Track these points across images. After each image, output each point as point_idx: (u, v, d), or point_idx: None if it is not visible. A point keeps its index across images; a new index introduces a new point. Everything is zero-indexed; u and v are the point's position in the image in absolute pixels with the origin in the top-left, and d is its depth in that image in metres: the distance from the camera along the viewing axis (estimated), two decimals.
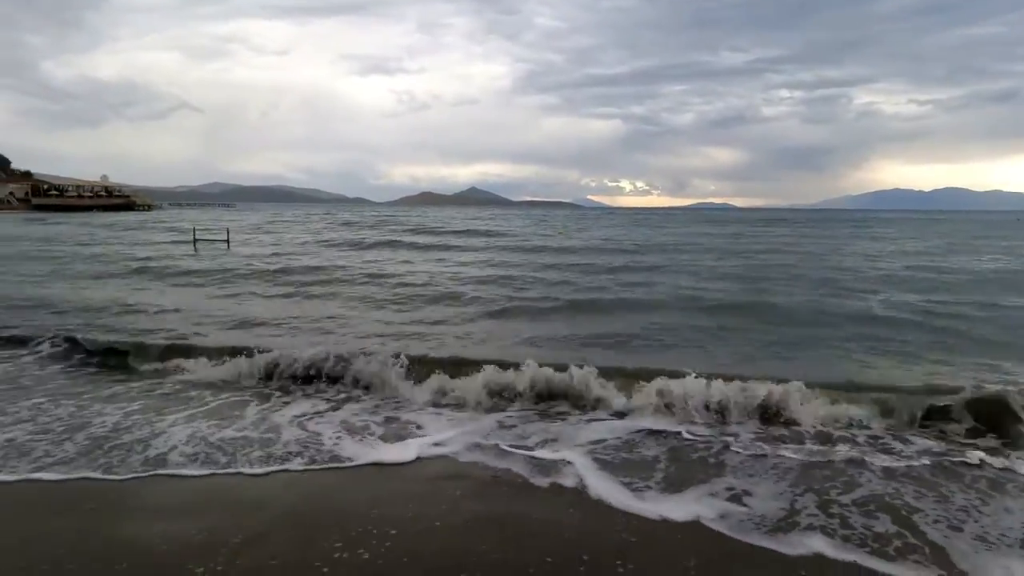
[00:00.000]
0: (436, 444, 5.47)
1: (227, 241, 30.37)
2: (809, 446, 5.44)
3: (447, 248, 29.42)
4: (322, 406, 6.59)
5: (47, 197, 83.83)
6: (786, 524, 4.06)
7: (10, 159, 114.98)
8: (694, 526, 4.05)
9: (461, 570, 3.50)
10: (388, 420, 6.16)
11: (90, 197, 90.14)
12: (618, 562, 3.59)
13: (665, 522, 4.09)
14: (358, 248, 29.13)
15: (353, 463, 5.08)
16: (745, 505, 4.32)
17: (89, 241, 32.06)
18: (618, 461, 5.12)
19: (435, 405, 6.62)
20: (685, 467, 5.03)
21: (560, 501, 4.42)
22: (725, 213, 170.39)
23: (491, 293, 14.47)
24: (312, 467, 4.99)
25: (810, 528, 4.00)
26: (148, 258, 22.78)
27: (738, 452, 5.29)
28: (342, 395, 6.98)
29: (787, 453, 5.26)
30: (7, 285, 15.36)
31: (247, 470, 4.90)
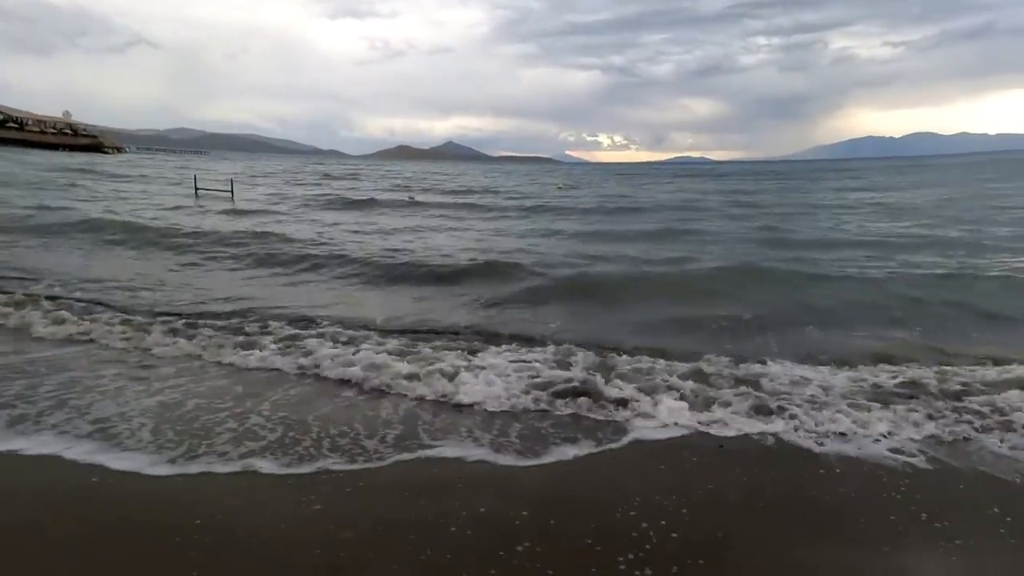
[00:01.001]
0: None
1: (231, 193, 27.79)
2: None
3: (475, 208, 26.67)
4: None
5: (5, 130, 76.51)
6: None
7: None
8: None
9: None
10: None
11: (54, 134, 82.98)
12: None
13: None
14: (403, 213, 24.43)
15: None
16: None
17: (111, 196, 26.06)
18: None
19: None
20: None
21: None
22: (712, 167, 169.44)
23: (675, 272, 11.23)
24: None
25: None
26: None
27: None
28: None
29: None
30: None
31: None
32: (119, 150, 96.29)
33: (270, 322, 7.14)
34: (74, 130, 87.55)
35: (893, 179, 50.38)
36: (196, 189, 28.21)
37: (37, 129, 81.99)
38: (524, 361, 5.75)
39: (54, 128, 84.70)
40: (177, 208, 21.52)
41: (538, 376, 5.34)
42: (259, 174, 54.25)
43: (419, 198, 30.99)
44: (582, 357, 5.93)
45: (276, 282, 10.23)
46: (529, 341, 6.64)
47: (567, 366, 5.67)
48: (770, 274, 10.60)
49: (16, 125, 79.63)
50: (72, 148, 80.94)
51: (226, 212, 21.23)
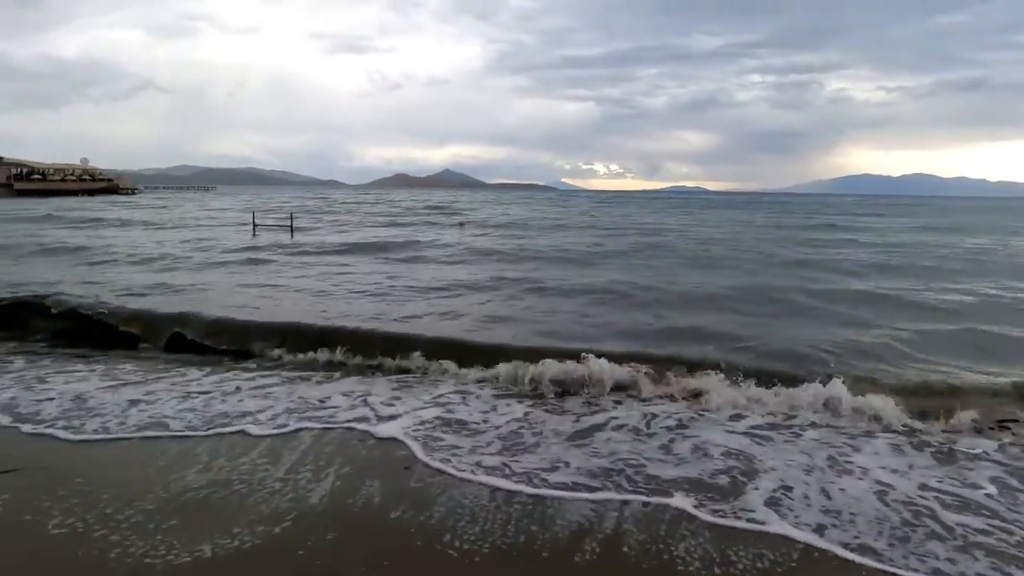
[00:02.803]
0: None
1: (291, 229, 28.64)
2: None
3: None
4: None
5: (30, 182, 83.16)
6: None
7: None
8: None
9: None
10: None
11: (74, 181, 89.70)
12: None
13: None
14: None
15: None
16: None
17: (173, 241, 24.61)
18: None
19: None
20: None
21: None
22: (710, 197, 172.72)
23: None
24: None
25: None
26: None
27: None
28: None
29: None
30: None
31: None
32: (133, 191, 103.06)
33: None
34: (92, 175, 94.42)
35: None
36: (254, 227, 29.29)
37: (58, 177, 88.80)
38: None
39: (73, 175, 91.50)
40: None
41: None
42: (276, 208, 53.66)
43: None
44: None
45: None
46: None
47: None
48: None
49: (40, 176, 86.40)
50: (91, 192, 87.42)
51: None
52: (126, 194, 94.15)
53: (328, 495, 4.65)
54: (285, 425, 6.07)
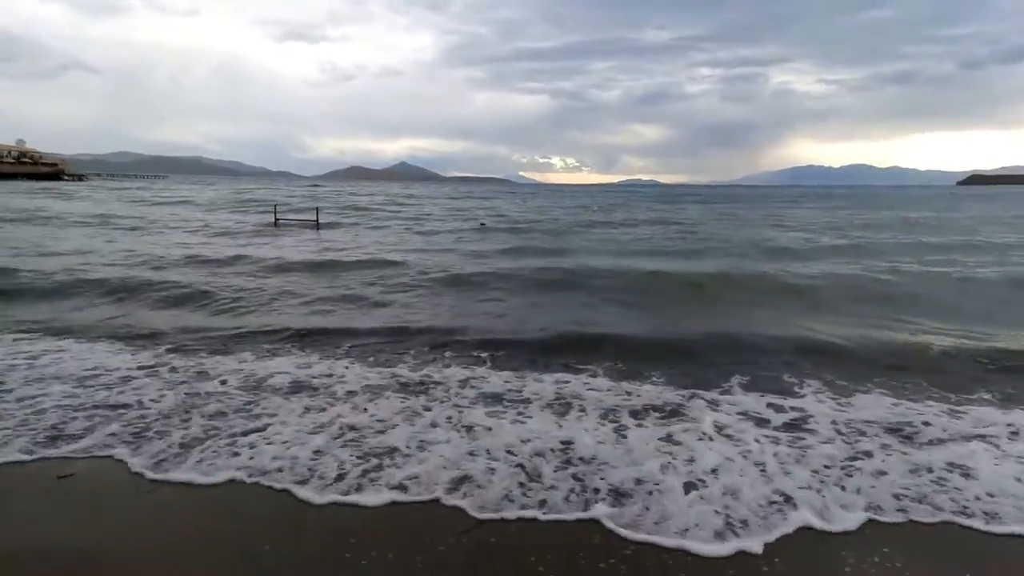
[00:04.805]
0: None
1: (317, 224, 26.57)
2: None
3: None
4: None
5: None
6: None
7: None
8: None
9: None
10: None
11: (11, 163, 79.89)
12: None
13: None
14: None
15: None
16: None
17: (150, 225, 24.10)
18: None
19: None
20: None
21: None
22: (692, 189, 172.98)
23: None
24: None
25: None
26: None
27: None
28: None
29: None
30: None
31: None
32: (80, 178, 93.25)
33: None
34: (33, 158, 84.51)
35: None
36: (276, 220, 27.45)
37: None
38: None
39: (12, 158, 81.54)
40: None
41: None
42: (252, 199, 48.22)
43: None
44: None
45: None
46: None
47: None
48: None
49: None
50: (32, 177, 78.13)
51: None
52: (72, 181, 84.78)
53: None
54: None
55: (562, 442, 4.64)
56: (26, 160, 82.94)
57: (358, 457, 4.35)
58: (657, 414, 5.27)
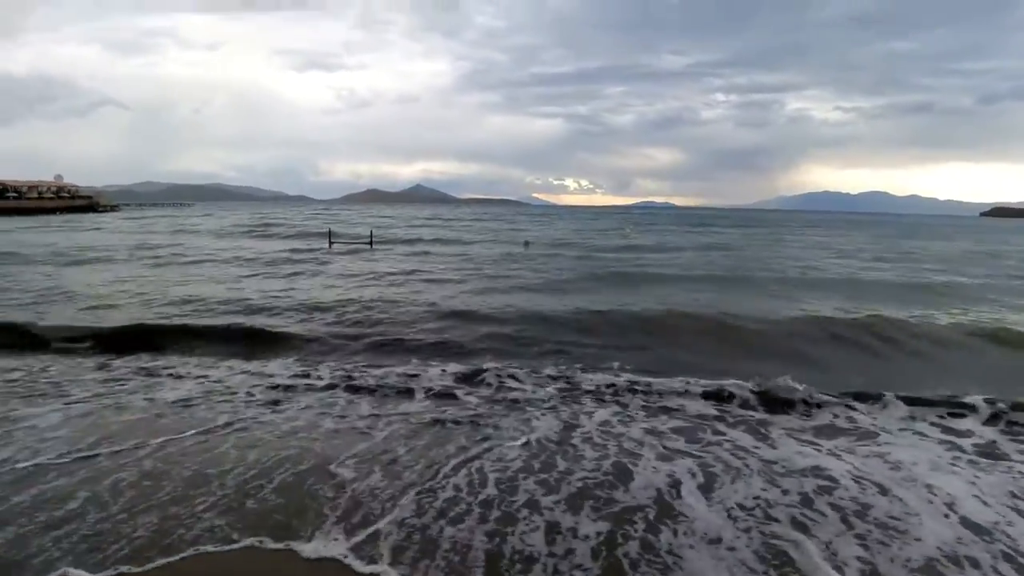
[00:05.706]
0: None
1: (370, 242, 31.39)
2: None
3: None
4: None
5: (6, 200, 79.40)
6: None
7: None
8: None
9: None
10: None
11: (50, 199, 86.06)
12: None
13: None
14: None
15: None
16: None
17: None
18: None
19: None
20: None
21: None
22: (709, 212, 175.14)
23: None
24: None
25: None
26: None
27: None
28: None
29: None
30: None
31: None
32: (114, 208, 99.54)
33: None
34: (70, 193, 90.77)
35: None
36: (331, 243, 31.30)
37: (35, 195, 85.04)
38: None
39: (50, 193, 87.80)
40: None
41: None
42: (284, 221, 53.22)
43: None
44: None
45: None
46: None
47: None
48: None
49: (15, 194, 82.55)
50: (69, 210, 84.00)
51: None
52: (107, 211, 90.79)
53: None
54: None
55: None
56: (64, 195, 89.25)
57: None
58: None
